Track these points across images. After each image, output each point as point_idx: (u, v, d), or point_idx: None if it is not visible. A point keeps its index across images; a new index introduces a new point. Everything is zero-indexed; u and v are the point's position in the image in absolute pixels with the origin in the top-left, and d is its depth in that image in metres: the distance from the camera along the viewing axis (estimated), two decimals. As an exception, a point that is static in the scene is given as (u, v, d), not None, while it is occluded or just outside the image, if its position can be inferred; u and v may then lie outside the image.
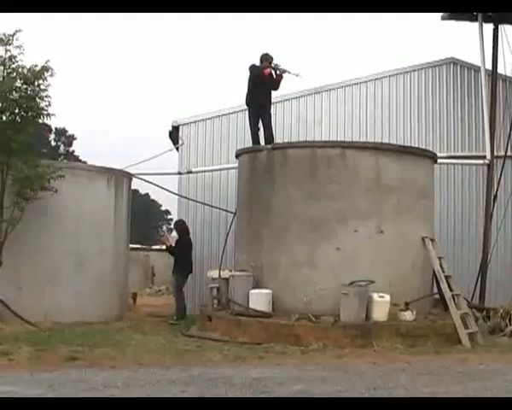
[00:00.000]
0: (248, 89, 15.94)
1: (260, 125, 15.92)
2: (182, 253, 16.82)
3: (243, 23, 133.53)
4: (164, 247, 18.85)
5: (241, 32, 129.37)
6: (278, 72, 15.85)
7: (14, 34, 14.02)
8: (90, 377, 9.35)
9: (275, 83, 16.00)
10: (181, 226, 17.35)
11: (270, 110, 16.26)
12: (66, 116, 72.36)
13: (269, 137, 15.70)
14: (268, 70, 15.70)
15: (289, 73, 15.81)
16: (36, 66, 14.33)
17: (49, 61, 14.39)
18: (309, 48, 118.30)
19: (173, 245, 17.20)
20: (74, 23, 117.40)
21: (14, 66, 14.21)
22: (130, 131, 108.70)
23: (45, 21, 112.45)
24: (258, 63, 15.80)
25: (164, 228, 76.11)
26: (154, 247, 36.82)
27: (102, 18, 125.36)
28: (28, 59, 14.30)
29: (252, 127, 15.94)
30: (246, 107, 16.48)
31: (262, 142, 15.68)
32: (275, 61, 15.81)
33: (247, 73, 15.86)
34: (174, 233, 19.63)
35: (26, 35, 14.10)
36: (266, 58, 15.80)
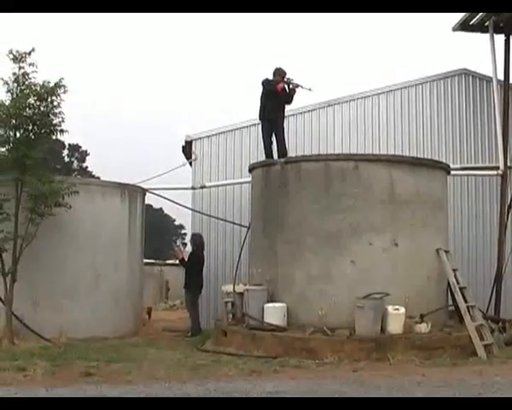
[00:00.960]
0: (261, 103, 15.98)
1: (273, 139, 15.96)
2: (193, 267, 16.84)
3: (256, 36, 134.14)
4: (177, 261, 18.90)
5: (254, 46, 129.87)
6: (291, 86, 15.89)
7: (29, 53, 14.14)
8: (106, 393, 9.37)
9: (288, 97, 16.04)
10: (196, 240, 17.35)
11: (283, 124, 16.29)
12: (80, 131, 72.30)
13: (282, 150, 15.74)
14: (281, 85, 15.74)
15: (302, 87, 15.85)
16: (49, 82, 14.39)
17: (63, 78, 14.51)
18: (321, 61, 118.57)
19: (186, 258, 17.24)
20: (88, 41, 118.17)
21: (27, 83, 14.28)
22: (143, 149, 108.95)
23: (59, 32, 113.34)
24: (271, 77, 15.85)
25: (178, 242, 76.08)
26: (168, 261, 36.78)
27: (112, 29, 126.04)
28: (40, 72, 14.43)
29: (265, 141, 15.97)
30: (259, 121, 16.53)
31: (275, 156, 15.72)
32: (288, 76, 15.87)
33: (260, 88, 15.92)
34: (188, 248, 19.64)
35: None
36: (279, 72, 15.87)
